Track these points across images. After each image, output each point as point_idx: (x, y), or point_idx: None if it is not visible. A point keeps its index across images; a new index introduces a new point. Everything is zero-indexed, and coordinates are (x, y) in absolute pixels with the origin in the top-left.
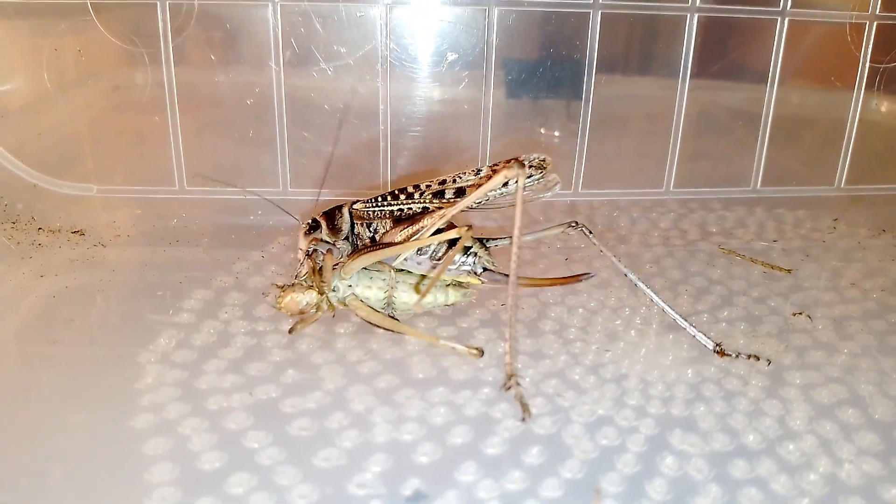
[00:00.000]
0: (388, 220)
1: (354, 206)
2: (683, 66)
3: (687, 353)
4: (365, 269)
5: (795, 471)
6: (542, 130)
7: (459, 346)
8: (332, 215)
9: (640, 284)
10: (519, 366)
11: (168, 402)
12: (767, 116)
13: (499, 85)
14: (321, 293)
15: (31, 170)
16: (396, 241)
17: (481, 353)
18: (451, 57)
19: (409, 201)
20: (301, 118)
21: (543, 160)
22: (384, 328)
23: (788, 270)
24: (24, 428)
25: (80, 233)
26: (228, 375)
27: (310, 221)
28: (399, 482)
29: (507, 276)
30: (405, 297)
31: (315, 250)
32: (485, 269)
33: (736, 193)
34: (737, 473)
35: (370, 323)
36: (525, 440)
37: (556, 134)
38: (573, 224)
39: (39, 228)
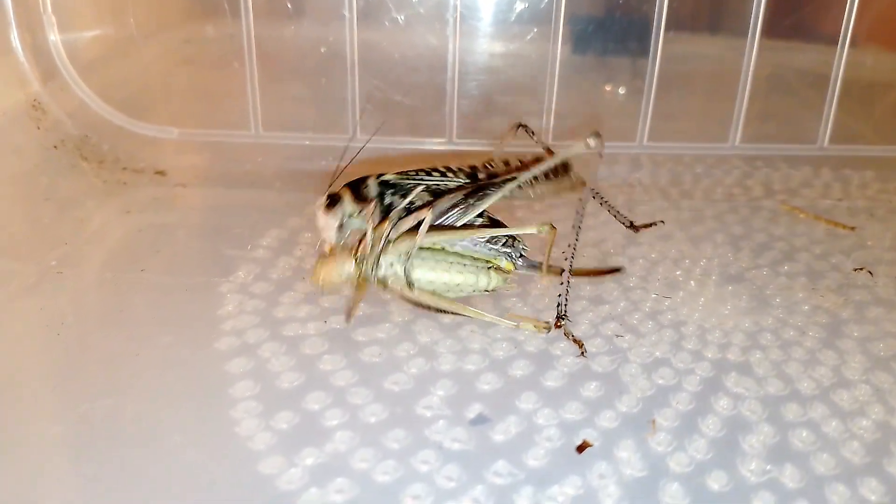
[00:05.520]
0: (425, 193)
1: (384, 178)
2: (753, 22)
3: (746, 303)
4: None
5: (848, 416)
6: (608, 88)
7: (526, 320)
8: (356, 187)
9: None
10: (578, 309)
11: (248, 327)
12: (837, 77)
13: (565, 40)
14: (360, 265)
15: (117, 112)
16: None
17: (549, 327)
18: (521, 6)
19: (444, 178)
20: (372, 67)
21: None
22: (438, 309)
23: (852, 228)
24: (119, 348)
25: (162, 173)
26: (303, 306)
27: (327, 197)
28: (463, 406)
29: (541, 263)
30: (446, 277)
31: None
32: (521, 256)
33: (802, 151)
34: (789, 416)
35: (419, 305)
36: (583, 376)
37: (622, 91)
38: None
39: (124, 168)
